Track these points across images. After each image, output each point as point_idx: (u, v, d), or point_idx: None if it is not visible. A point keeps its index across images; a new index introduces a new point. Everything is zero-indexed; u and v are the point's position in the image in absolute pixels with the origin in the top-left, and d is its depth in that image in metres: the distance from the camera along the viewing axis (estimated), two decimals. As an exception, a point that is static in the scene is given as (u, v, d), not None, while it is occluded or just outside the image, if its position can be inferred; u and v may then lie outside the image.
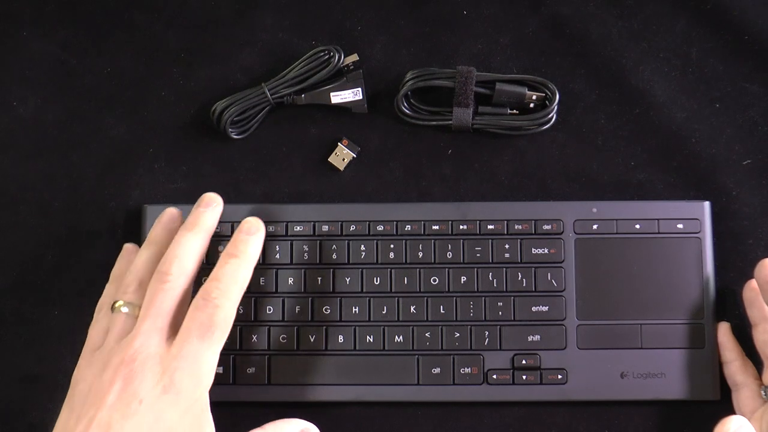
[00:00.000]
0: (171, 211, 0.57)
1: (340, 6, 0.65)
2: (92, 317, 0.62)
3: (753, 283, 0.58)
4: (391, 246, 0.60)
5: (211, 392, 0.50)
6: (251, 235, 0.54)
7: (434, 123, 0.63)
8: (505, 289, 0.60)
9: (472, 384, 0.59)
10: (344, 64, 0.63)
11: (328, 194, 0.63)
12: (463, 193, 0.63)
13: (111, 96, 0.65)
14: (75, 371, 0.52)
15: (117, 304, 0.53)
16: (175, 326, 0.51)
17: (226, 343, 0.59)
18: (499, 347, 0.59)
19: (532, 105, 0.62)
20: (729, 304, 0.60)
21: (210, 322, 0.50)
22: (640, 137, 0.63)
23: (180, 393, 0.49)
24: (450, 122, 0.62)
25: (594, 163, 0.63)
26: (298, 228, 0.61)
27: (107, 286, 0.58)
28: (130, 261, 0.56)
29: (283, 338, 0.60)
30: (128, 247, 0.60)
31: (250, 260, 0.53)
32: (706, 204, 0.61)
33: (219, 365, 0.59)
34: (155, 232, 0.56)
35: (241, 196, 0.63)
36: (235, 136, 0.63)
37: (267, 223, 0.60)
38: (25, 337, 0.62)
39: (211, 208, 0.55)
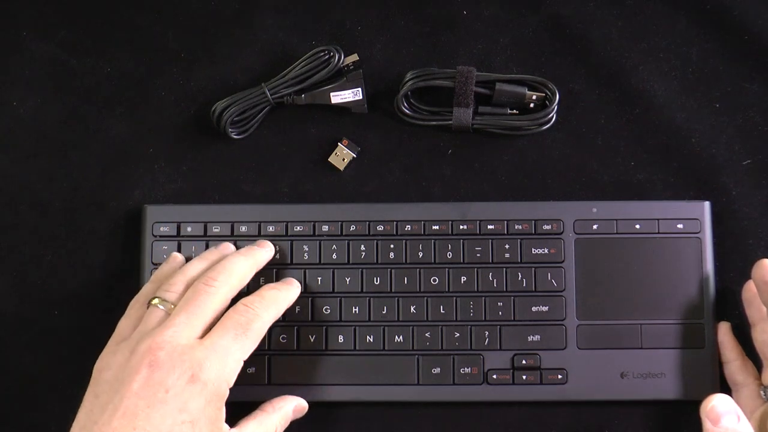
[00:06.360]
0: (226, 244, 0.59)
1: (340, 6, 0.65)
2: (92, 317, 0.62)
3: (751, 284, 0.58)
4: (391, 246, 0.60)
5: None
6: (295, 286, 0.58)
7: (434, 123, 0.63)
8: (505, 289, 0.60)
9: (472, 384, 0.59)
10: (344, 64, 0.62)
11: (328, 194, 0.63)
12: (463, 193, 0.63)
13: (111, 96, 0.65)
14: (98, 360, 0.53)
15: (154, 301, 0.54)
16: (207, 328, 0.52)
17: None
18: (499, 347, 0.59)
19: (532, 105, 0.62)
20: (729, 304, 0.60)
21: (247, 325, 0.52)
22: (640, 137, 0.63)
23: (206, 384, 0.49)
24: (450, 122, 0.62)
25: (594, 163, 0.63)
26: (298, 228, 0.61)
27: (147, 285, 0.58)
28: (176, 268, 0.57)
29: (283, 338, 0.60)
30: (177, 256, 0.60)
31: (291, 295, 0.57)
32: (706, 204, 0.61)
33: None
34: (210, 253, 0.58)
35: (241, 196, 0.63)
36: (235, 136, 0.63)
37: (267, 223, 0.60)
38: (25, 337, 0.62)
39: (265, 249, 0.59)
